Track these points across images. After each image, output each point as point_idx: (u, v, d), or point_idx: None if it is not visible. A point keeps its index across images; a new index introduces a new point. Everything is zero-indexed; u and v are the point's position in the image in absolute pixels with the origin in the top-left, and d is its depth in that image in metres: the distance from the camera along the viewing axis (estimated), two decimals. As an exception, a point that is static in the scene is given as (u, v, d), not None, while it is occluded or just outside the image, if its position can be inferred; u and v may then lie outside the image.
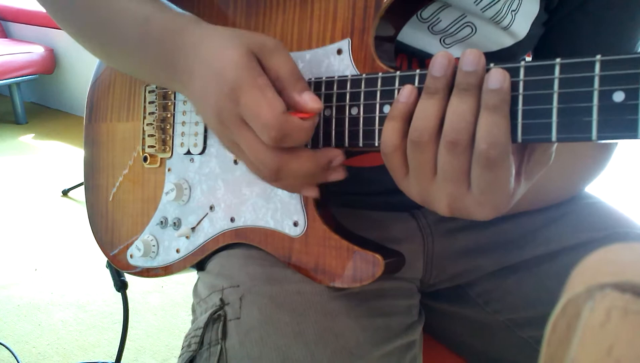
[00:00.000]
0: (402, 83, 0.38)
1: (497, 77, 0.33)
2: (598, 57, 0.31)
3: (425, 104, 0.36)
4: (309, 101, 0.39)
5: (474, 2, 0.48)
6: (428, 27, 0.49)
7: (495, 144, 0.33)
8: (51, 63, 3.06)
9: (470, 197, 0.36)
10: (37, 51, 2.97)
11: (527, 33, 0.52)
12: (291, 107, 0.40)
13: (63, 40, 3.05)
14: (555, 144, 0.36)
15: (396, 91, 0.39)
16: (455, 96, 0.34)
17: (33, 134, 2.95)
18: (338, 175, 0.43)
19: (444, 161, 0.35)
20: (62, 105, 3.32)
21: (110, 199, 0.64)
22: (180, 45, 0.43)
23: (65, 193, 2.19)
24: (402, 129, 0.37)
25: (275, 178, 0.41)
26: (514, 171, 0.35)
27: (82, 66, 2.96)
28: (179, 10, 0.48)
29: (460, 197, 0.36)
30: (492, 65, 0.35)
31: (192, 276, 0.61)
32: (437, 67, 0.35)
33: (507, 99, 0.33)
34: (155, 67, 0.47)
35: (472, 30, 0.50)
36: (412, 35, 0.49)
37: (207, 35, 0.42)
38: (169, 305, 1.50)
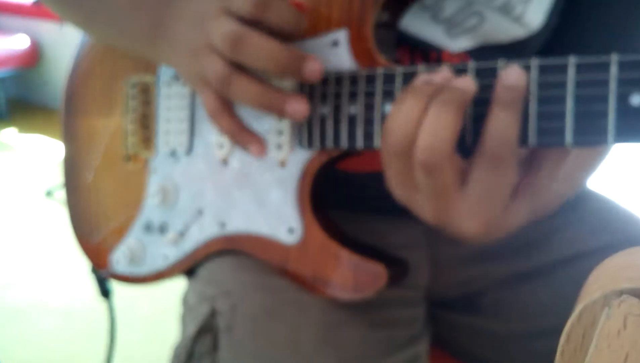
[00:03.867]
0: (405, 81, 0.38)
1: (514, 74, 0.33)
2: (615, 57, 0.31)
3: (408, 103, 0.35)
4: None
5: None
6: (432, 15, 0.49)
7: (506, 142, 0.33)
8: (34, 56, 3.07)
9: (458, 209, 0.35)
10: (19, 44, 2.97)
11: (543, 24, 0.52)
12: None
13: (48, 32, 3.05)
14: (570, 154, 0.36)
15: (396, 92, 0.39)
16: (436, 106, 0.34)
17: (15, 131, 2.96)
18: (300, 108, 0.41)
19: (420, 179, 0.35)
20: (46, 100, 3.32)
21: (92, 201, 0.64)
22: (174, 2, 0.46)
23: (49, 193, 2.19)
24: None
25: (234, 51, 0.39)
26: (513, 180, 0.34)
27: (67, 60, 2.95)
28: None
29: (445, 211, 0.36)
30: (499, 61, 0.34)
31: (182, 281, 0.60)
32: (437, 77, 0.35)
33: (521, 98, 0.33)
34: (142, 28, 0.49)
35: (480, 20, 0.50)
36: (415, 24, 0.49)
37: None
38: (158, 312, 1.50)
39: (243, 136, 0.44)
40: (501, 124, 0.33)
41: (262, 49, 0.39)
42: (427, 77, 0.36)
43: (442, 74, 0.35)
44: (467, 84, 0.34)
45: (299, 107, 0.40)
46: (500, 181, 0.34)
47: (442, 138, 0.33)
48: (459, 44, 0.51)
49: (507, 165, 0.33)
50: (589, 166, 0.56)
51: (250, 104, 0.41)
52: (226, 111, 0.43)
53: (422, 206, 0.37)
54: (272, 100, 0.41)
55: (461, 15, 0.49)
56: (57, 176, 2.22)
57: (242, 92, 0.41)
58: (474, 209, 0.35)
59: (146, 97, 0.58)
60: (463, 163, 0.35)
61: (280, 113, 0.41)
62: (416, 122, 0.34)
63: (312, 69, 0.39)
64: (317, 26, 0.44)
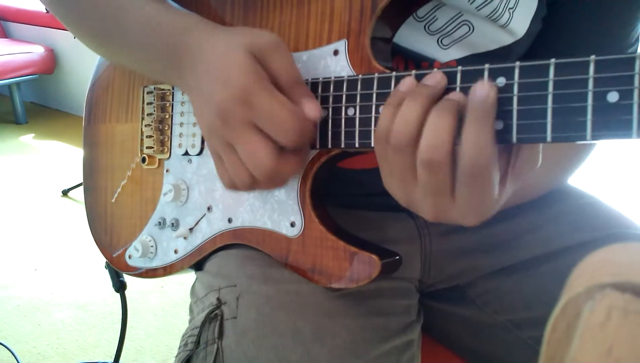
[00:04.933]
0: (398, 84, 0.38)
1: (483, 89, 0.33)
2: (592, 57, 0.31)
3: (408, 106, 0.35)
4: (310, 109, 0.40)
5: (469, 1, 0.47)
6: (424, 27, 0.49)
7: (482, 153, 0.33)
8: (51, 63, 3.06)
9: (455, 207, 0.36)
10: (37, 51, 2.96)
11: (527, 30, 0.52)
12: None
13: (63, 40, 3.05)
14: (541, 144, 0.36)
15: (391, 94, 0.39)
16: (435, 111, 0.34)
17: (33, 134, 2.95)
18: None
19: (422, 177, 0.35)
20: (62, 105, 3.32)
21: (113, 201, 0.64)
22: (185, 47, 0.44)
23: (65, 193, 2.19)
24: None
25: (268, 182, 0.42)
26: (498, 179, 0.35)
27: (82, 66, 2.96)
28: (184, 10, 0.48)
29: (443, 208, 0.36)
30: (486, 65, 0.34)
31: (191, 276, 0.60)
32: (430, 79, 0.36)
33: (493, 111, 0.33)
34: (163, 67, 0.48)
35: (469, 29, 0.50)
36: (409, 36, 0.49)
37: (210, 37, 0.43)
38: (169, 305, 1.50)
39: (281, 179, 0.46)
40: (476, 139, 0.33)
41: (290, 173, 0.42)
42: (419, 80, 0.36)
43: (435, 77, 0.36)
44: (460, 98, 0.34)
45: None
46: (482, 185, 0.34)
47: (443, 138, 0.33)
48: (449, 54, 0.51)
49: (486, 172, 0.33)
50: (569, 158, 0.56)
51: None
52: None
53: (421, 203, 0.37)
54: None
55: (451, 25, 0.49)
56: (72, 177, 2.22)
57: (281, 180, 0.44)
58: (465, 211, 0.36)
59: (162, 103, 0.58)
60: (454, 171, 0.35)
61: None
62: (418, 123, 0.35)
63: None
64: (321, 38, 0.45)
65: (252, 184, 0.43)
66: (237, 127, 0.40)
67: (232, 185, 0.45)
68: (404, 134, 0.35)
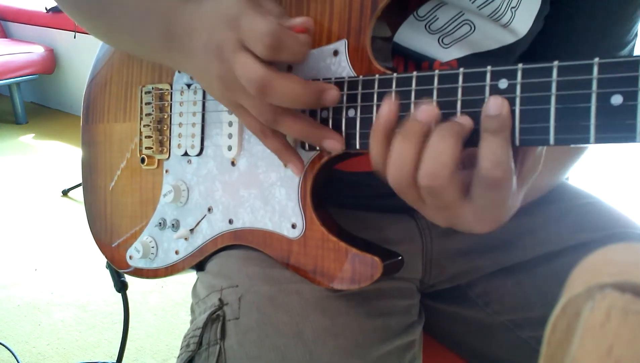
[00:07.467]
0: (399, 85, 0.38)
1: (497, 103, 0.33)
2: (596, 59, 0.31)
3: (400, 145, 0.36)
4: (298, 19, 0.40)
5: (470, 0, 0.47)
6: (425, 26, 0.49)
7: (499, 164, 0.33)
8: (51, 63, 3.06)
9: (470, 215, 0.36)
10: (37, 51, 2.96)
11: (529, 29, 0.51)
12: None
13: (63, 40, 3.05)
14: (544, 148, 0.36)
15: (394, 94, 0.39)
16: (437, 135, 0.34)
17: (33, 134, 2.96)
18: (332, 143, 0.41)
19: (428, 199, 0.36)
20: (62, 105, 3.32)
21: (109, 200, 0.64)
22: (181, 11, 0.45)
23: (65, 193, 2.19)
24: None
25: (262, 95, 0.39)
26: (515, 187, 0.35)
27: (82, 66, 2.95)
28: None
29: (455, 218, 0.37)
30: (489, 67, 0.34)
31: (192, 276, 0.60)
32: (423, 113, 0.35)
33: (507, 124, 0.33)
34: (155, 39, 0.48)
35: (470, 29, 0.49)
36: (409, 35, 0.49)
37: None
38: (169, 305, 1.50)
39: (286, 155, 0.44)
40: (493, 148, 0.33)
41: (286, 93, 0.39)
42: (414, 114, 0.36)
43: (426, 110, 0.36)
44: (467, 121, 0.34)
45: (335, 145, 0.41)
46: (500, 196, 0.35)
47: (442, 162, 0.34)
48: (450, 53, 0.51)
49: (503, 184, 0.34)
50: (568, 158, 0.56)
51: (293, 136, 0.42)
52: (269, 131, 0.43)
53: (433, 216, 0.38)
54: (314, 135, 0.41)
55: (452, 25, 0.49)
56: (72, 177, 2.22)
57: (286, 128, 0.41)
58: (480, 217, 0.36)
59: (160, 103, 0.58)
60: (465, 176, 0.35)
61: (318, 145, 0.42)
62: (410, 162, 0.35)
63: (331, 99, 0.40)
64: (320, 38, 0.44)
65: (274, 114, 0.40)
66: (230, 54, 0.40)
67: (261, 129, 0.43)
68: (398, 175, 0.36)
